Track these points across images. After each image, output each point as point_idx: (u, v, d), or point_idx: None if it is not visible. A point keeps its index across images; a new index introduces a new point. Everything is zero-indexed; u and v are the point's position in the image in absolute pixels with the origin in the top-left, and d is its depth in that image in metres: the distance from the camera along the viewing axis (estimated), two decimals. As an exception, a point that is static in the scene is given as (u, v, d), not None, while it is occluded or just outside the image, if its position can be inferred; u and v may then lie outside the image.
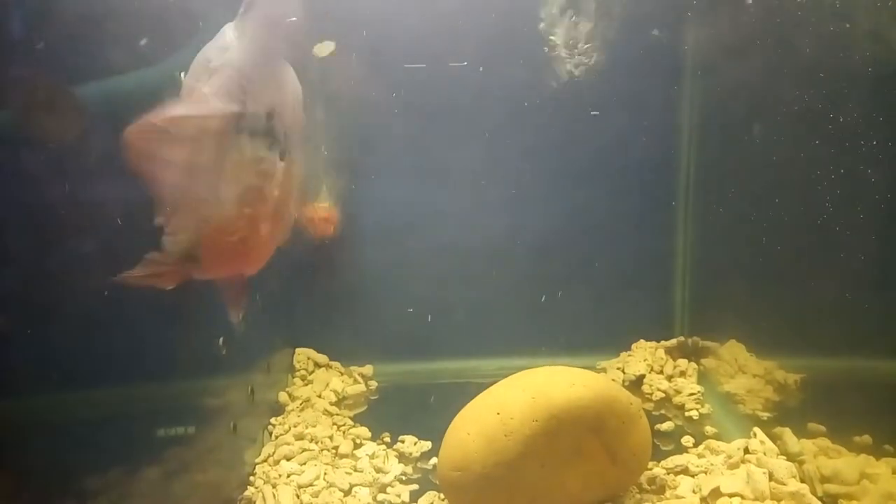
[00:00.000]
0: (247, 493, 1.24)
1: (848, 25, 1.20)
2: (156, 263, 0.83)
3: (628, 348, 1.78)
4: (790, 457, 1.24)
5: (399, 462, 1.36)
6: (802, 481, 1.15)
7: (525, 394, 1.11)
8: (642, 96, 1.66)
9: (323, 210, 1.61)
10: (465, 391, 1.22)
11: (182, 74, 1.09)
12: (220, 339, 1.22)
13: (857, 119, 1.24)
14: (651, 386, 1.63)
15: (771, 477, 1.15)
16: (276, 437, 1.43)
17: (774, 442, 1.29)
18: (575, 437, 1.10)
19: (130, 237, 1.04)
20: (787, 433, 1.30)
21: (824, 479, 1.15)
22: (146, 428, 1.05)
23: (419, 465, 1.36)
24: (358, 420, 1.54)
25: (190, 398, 1.20)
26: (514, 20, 1.62)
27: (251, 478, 1.29)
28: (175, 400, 1.15)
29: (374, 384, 1.73)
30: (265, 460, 1.35)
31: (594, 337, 1.76)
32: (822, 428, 1.32)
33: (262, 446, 1.40)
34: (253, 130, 0.81)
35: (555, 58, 1.61)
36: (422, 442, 1.41)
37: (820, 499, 1.11)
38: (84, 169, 0.94)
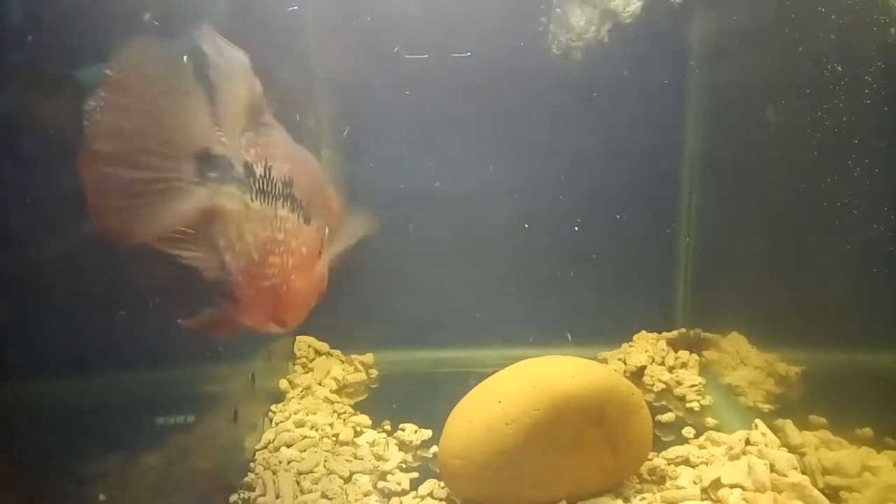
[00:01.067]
0: (247, 479, 1.24)
1: (857, 13, 1.19)
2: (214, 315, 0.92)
3: (630, 339, 1.78)
4: (791, 448, 1.24)
5: (399, 450, 1.36)
6: (804, 473, 1.15)
7: (527, 383, 1.11)
8: (647, 85, 1.65)
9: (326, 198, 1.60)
10: (467, 380, 1.22)
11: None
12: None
13: (864, 112, 1.24)
14: (652, 377, 1.63)
15: (772, 468, 1.15)
16: (277, 424, 1.43)
17: (776, 434, 1.29)
18: (576, 426, 1.10)
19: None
20: (788, 425, 1.29)
21: (826, 471, 1.15)
22: (146, 414, 1.05)
23: (419, 453, 1.36)
24: (358, 408, 1.54)
25: (190, 385, 1.20)
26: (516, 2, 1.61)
27: (251, 464, 1.29)
28: (175, 387, 1.15)
29: (374, 372, 1.73)
30: (265, 447, 1.35)
31: (596, 327, 1.75)
32: (824, 420, 1.32)
33: (263, 433, 1.40)
34: (276, 192, 0.92)
35: (556, 42, 1.59)
36: (422, 430, 1.41)
37: (821, 490, 1.10)
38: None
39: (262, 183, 0.91)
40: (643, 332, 1.78)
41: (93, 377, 0.94)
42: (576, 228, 1.72)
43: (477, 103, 1.64)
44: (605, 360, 1.71)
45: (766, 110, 1.42)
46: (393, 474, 1.28)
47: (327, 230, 1.09)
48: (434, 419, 1.20)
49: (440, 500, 1.19)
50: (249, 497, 1.19)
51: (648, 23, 1.60)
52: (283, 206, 0.95)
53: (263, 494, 1.20)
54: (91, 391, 0.94)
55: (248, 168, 0.88)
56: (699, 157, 1.70)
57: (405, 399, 1.61)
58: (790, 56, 1.35)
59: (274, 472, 1.25)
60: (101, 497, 0.91)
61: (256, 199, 0.89)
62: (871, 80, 1.22)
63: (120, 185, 0.73)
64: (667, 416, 1.46)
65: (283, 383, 1.60)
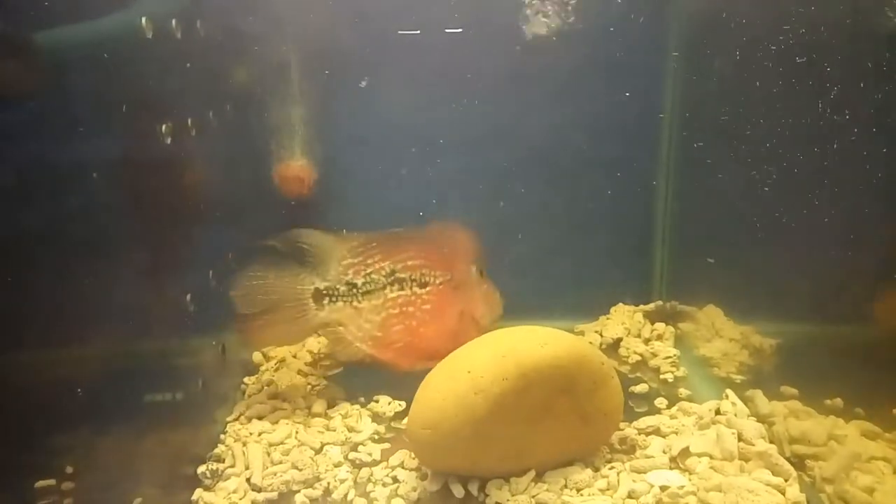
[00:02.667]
0: (216, 450, 1.23)
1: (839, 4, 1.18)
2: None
3: (607, 312, 1.78)
4: (760, 418, 1.25)
5: (372, 421, 1.35)
6: (771, 442, 1.16)
7: (496, 353, 1.10)
8: (626, 63, 1.63)
9: (296, 168, 1.58)
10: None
11: (144, 20, 1.06)
12: (188, 296, 1.20)
13: (838, 95, 1.23)
14: (628, 349, 1.63)
15: (740, 437, 1.16)
16: (249, 396, 1.42)
17: (746, 404, 1.29)
18: (545, 396, 1.10)
19: (107, 195, 1.02)
20: (758, 395, 1.30)
21: (793, 440, 1.16)
22: (115, 386, 1.03)
23: (392, 424, 1.36)
24: (333, 380, 1.54)
25: (160, 357, 1.19)
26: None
27: (222, 436, 1.29)
28: (145, 359, 1.14)
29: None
30: (237, 419, 1.34)
31: (573, 300, 1.75)
32: (794, 391, 1.32)
33: (235, 405, 1.39)
34: (380, 286, 1.39)
35: (536, 20, 1.56)
36: (396, 402, 1.41)
37: (788, 459, 1.12)
38: (57, 123, 0.91)
39: (366, 287, 1.38)
40: (620, 304, 1.78)
41: (62, 349, 0.93)
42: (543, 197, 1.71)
43: (452, 83, 1.62)
44: (581, 333, 1.71)
45: (744, 92, 1.41)
46: (364, 445, 1.27)
47: (474, 269, 1.47)
48: (409, 391, 1.19)
49: (411, 470, 1.19)
50: (218, 468, 1.18)
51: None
52: (391, 290, 1.39)
53: (233, 465, 1.20)
54: (60, 363, 0.93)
55: (351, 285, 1.38)
56: (677, 130, 1.69)
57: (380, 372, 1.60)
58: (771, 41, 1.34)
59: (244, 444, 1.25)
60: (69, 469, 0.90)
61: (363, 300, 1.38)
62: (846, 69, 1.21)
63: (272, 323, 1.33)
64: (640, 387, 1.47)
65: (258, 356, 1.59)
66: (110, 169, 1.03)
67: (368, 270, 1.38)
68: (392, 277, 1.39)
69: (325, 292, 1.36)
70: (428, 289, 1.41)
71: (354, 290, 1.37)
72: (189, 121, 1.24)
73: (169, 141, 1.14)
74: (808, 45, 1.26)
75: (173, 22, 1.18)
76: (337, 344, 1.37)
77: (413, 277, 1.40)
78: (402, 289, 1.39)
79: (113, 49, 1.02)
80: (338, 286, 1.37)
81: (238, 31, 1.50)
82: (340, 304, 1.36)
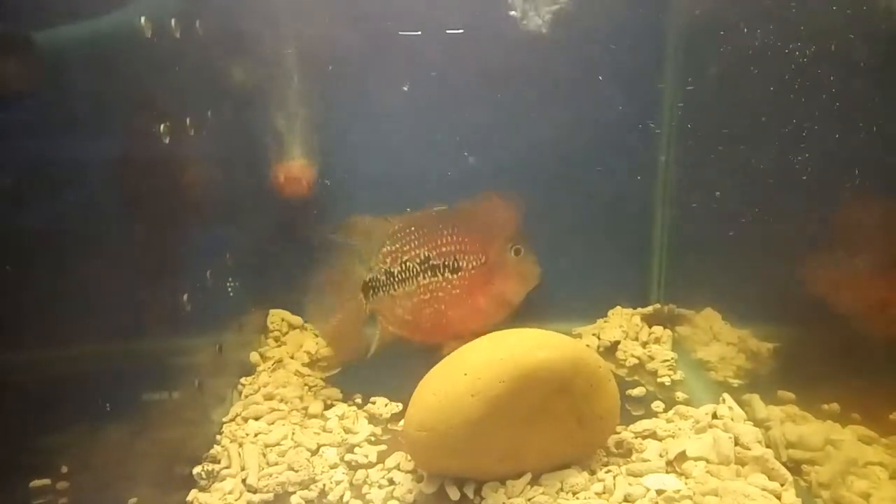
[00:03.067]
0: (212, 451, 1.23)
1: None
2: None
3: (605, 315, 1.78)
4: (757, 423, 1.25)
5: (369, 423, 1.35)
6: (768, 446, 1.16)
7: (493, 355, 1.10)
8: (625, 63, 1.63)
9: (295, 168, 1.58)
10: (439, 354, 1.20)
11: (143, 19, 1.06)
12: (185, 297, 1.20)
13: (833, 97, 1.23)
14: (625, 352, 1.63)
15: (736, 442, 1.16)
16: (246, 397, 1.42)
17: (743, 408, 1.29)
18: (542, 398, 1.10)
19: (104, 194, 1.02)
20: (755, 399, 1.30)
21: (789, 445, 1.16)
22: (111, 386, 1.03)
23: (389, 426, 1.36)
24: (330, 381, 1.53)
25: (156, 356, 1.19)
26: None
27: (217, 436, 1.29)
28: (141, 358, 1.14)
29: (348, 346, 1.72)
30: (233, 419, 1.34)
31: (571, 303, 1.75)
32: (791, 395, 1.32)
33: (231, 406, 1.39)
34: (414, 273, 1.44)
35: (530, 18, 1.56)
36: (393, 403, 1.41)
37: (784, 464, 1.11)
38: (55, 122, 0.91)
39: (401, 275, 1.43)
40: (618, 307, 1.78)
41: (57, 348, 0.92)
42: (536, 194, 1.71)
43: (450, 82, 1.62)
44: (579, 336, 1.71)
45: (743, 88, 1.41)
46: (361, 447, 1.27)
47: (509, 247, 1.48)
48: (406, 393, 1.18)
49: (407, 472, 1.19)
50: (213, 469, 1.18)
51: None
52: (423, 277, 1.44)
53: (228, 466, 1.19)
54: (55, 362, 0.93)
55: (389, 273, 1.43)
56: (676, 133, 1.69)
57: (378, 372, 1.60)
58: (769, 40, 1.34)
59: (240, 445, 1.24)
60: (64, 468, 0.90)
61: (399, 288, 1.44)
62: (841, 67, 1.21)
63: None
64: (637, 391, 1.47)
65: (255, 356, 1.59)
66: (107, 168, 1.04)
67: (405, 258, 1.43)
68: (426, 265, 1.44)
69: (370, 284, 1.43)
70: (460, 274, 1.45)
71: (392, 280, 1.43)
72: (187, 120, 1.24)
73: (167, 140, 1.14)
74: (804, 52, 1.26)
75: (172, 21, 1.18)
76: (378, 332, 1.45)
77: (446, 263, 1.45)
78: (434, 275, 1.44)
79: (111, 48, 1.03)
80: (379, 276, 1.43)
81: (237, 31, 1.50)
82: (381, 294, 1.44)
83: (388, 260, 1.43)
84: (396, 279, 1.43)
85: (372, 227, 1.44)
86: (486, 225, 1.47)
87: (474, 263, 1.46)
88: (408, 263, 1.43)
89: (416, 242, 1.43)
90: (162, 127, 1.13)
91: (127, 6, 1.07)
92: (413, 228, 1.43)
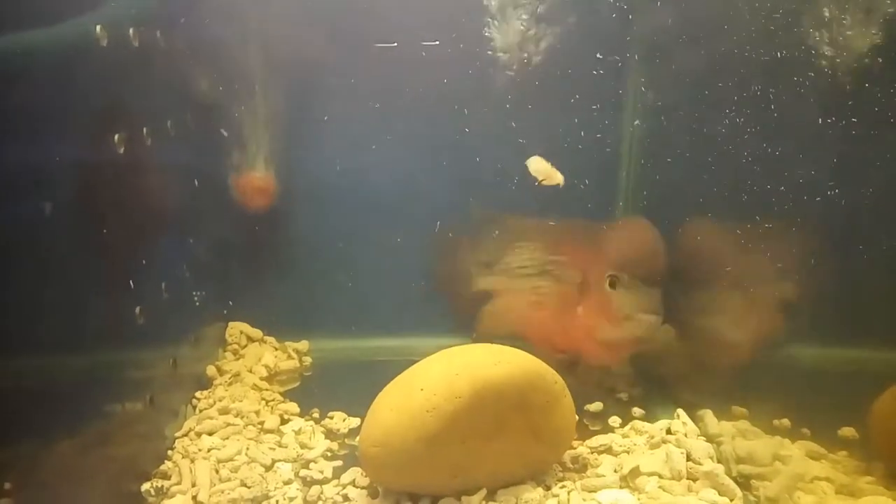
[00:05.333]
0: (162, 467, 1.21)
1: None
2: None
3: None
4: (709, 438, 1.27)
5: (326, 438, 1.34)
6: (719, 462, 1.18)
7: (449, 370, 1.10)
8: (591, 76, 1.65)
9: (258, 180, 1.57)
10: (401, 369, 1.19)
11: (98, 28, 1.05)
12: (137, 309, 1.18)
13: (809, 96, 1.27)
14: (585, 368, 1.64)
15: (689, 457, 1.17)
16: (200, 411, 1.40)
17: (696, 423, 1.31)
18: (498, 413, 1.10)
19: (58, 202, 1.00)
20: (708, 415, 1.32)
21: (739, 460, 1.18)
22: (59, 399, 1.01)
23: (346, 441, 1.35)
24: (288, 396, 1.52)
25: (108, 369, 1.16)
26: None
27: (169, 452, 1.26)
28: (92, 371, 1.11)
29: (308, 360, 1.71)
30: (186, 434, 1.31)
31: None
32: (744, 410, 1.35)
33: (185, 420, 1.36)
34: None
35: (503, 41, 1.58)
36: (351, 418, 1.40)
37: (734, 479, 1.13)
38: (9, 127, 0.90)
39: (521, 271, 1.49)
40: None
41: (4, 360, 0.90)
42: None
43: (414, 91, 1.62)
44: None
45: (705, 104, 1.45)
46: (316, 462, 1.26)
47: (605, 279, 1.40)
48: (364, 407, 1.18)
49: (362, 488, 1.18)
50: (163, 485, 1.15)
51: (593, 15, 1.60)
52: (538, 279, 1.47)
53: (179, 483, 1.17)
54: (1, 375, 0.90)
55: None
56: (639, 144, 1.71)
57: (338, 387, 1.59)
58: (725, 56, 1.38)
59: (192, 460, 1.22)
60: (7, 485, 0.87)
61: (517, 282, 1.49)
62: (803, 72, 1.25)
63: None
64: (595, 406, 1.48)
65: (211, 369, 1.56)
66: (60, 177, 1.01)
67: (525, 256, 1.50)
68: (542, 269, 1.48)
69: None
70: (565, 282, 1.46)
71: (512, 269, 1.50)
72: (144, 130, 1.22)
73: (122, 150, 1.13)
74: (765, 68, 1.30)
75: (131, 31, 1.16)
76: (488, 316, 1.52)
77: (554, 273, 1.48)
78: (545, 280, 1.48)
79: (68, 56, 1.01)
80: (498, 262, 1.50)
81: (202, 38, 1.49)
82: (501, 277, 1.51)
83: (514, 251, 1.52)
84: (516, 273, 1.51)
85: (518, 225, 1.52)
86: (610, 247, 1.41)
87: (570, 279, 1.46)
88: (527, 262, 1.52)
89: (541, 246, 1.50)
90: (117, 136, 1.12)
91: (90, 13, 1.05)
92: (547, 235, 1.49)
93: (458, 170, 1.69)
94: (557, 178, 1.38)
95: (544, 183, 1.39)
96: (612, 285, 1.37)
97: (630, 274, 1.36)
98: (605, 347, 1.43)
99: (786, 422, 1.31)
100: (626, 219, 1.54)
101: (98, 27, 1.04)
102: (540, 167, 1.39)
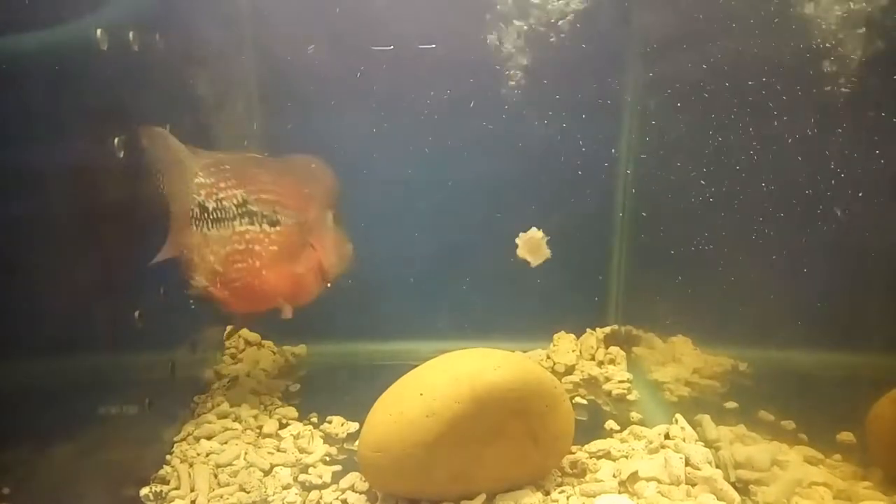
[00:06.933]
0: (161, 471, 1.20)
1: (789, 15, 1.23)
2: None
3: (561, 335, 1.79)
4: (708, 443, 1.27)
5: (324, 443, 1.33)
6: (717, 467, 1.18)
7: (449, 375, 1.10)
8: (588, 85, 1.66)
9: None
10: (401, 373, 1.20)
11: (98, 31, 1.05)
12: (137, 313, 1.17)
13: (790, 116, 1.28)
14: (581, 372, 1.64)
15: (687, 462, 1.17)
16: (199, 416, 1.39)
17: (694, 428, 1.31)
18: (498, 419, 1.10)
19: (56, 205, 1.00)
20: (706, 420, 1.32)
21: (738, 465, 1.18)
22: (57, 403, 1.00)
23: (345, 446, 1.34)
24: (286, 400, 1.51)
25: (105, 373, 1.16)
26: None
27: (168, 456, 1.25)
28: (90, 374, 1.11)
29: (306, 364, 1.71)
30: (184, 439, 1.31)
31: (529, 322, 1.76)
32: (742, 415, 1.35)
33: (183, 424, 1.36)
34: (230, 216, 1.25)
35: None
36: (349, 423, 1.39)
37: (732, 484, 1.13)
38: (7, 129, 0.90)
39: (216, 214, 1.23)
40: (575, 327, 1.80)
41: (2, 362, 0.90)
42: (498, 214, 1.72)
43: (410, 101, 1.63)
44: (535, 356, 1.72)
45: (703, 110, 1.45)
46: (315, 467, 1.26)
47: (330, 215, 1.35)
48: (363, 412, 1.18)
49: (361, 493, 1.18)
50: (162, 490, 1.15)
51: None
52: (240, 223, 1.25)
53: (177, 487, 1.17)
54: (1, 377, 0.90)
55: (202, 207, 1.22)
56: (635, 156, 1.72)
57: (336, 391, 1.59)
58: (724, 56, 1.38)
59: (191, 465, 1.22)
60: (5, 490, 0.87)
61: (213, 228, 1.23)
62: (798, 84, 1.26)
63: None
64: (593, 410, 1.48)
65: (209, 374, 1.56)
66: (60, 179, 1.02)
67: (221, 195, 1.24)
68: (243, 209, 1.26)
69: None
70: (278, 228, 1.29)
71: (206, 215, 1.24)
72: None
73: (122, 153, 1.13)
74: (762, 78, 1.31)
75: (131, 34, 1.16)
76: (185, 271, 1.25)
77: (265, 213, 1.29)
78: (251, 223, 1.27)
79: (68, 58, 1.01)
80: (192, 207, 1.23)
81: (201, 42, 1.49)
82: (194, 229, 1.23)
83: (202, 192, 1.23)
84: (211, 217, 1.23)
85: (178, 152, 1.21)
86: (308, 184, 1.35)
87: (293, 220, 1.32)
88: (224, 202, 1.24)
89: (234, 182, 1.25)
90: (117, 139, 1.12)
91: (88, 16, 1.05)
92: (228, 167, 1.26)
93: (458, 170, 1.69)
94: (544, 255, 1.42)
95: (532, 263, 1.40)
96: (336, 219, 1.40)
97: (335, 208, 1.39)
98: (323, 282, 1.39)
99: (784, 426, 1.32)
100: (298, 156, 1.38)
101: (98, 30, 1.04)
102: (530, 246, 1.40)
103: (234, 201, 1.25)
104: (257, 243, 1.27)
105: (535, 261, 1.39)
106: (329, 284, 1.40)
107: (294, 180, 1.33)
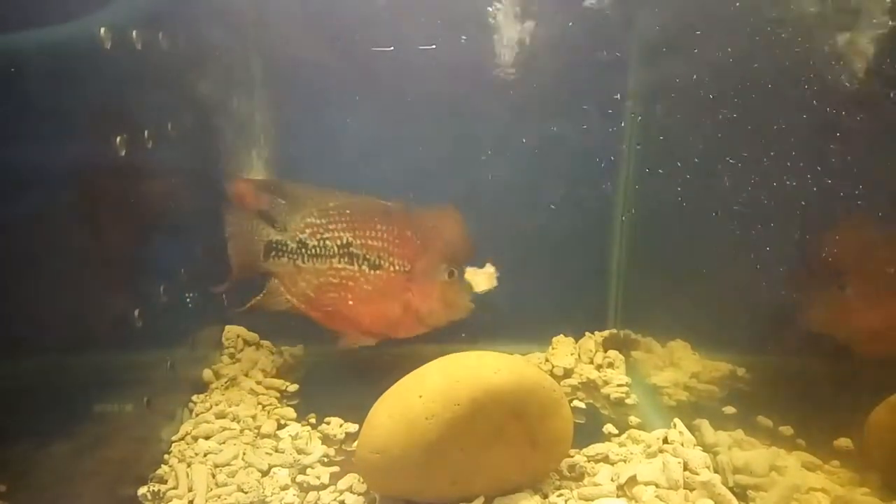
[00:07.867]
0: (159, 471, 1.20)
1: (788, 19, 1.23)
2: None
3: (560, 338, 1.79)
4: (706, 448, 1.27)
5: (322, 443, 1.33)
6: (715, 471, 1.18)
7: (448, 378, 1.10)
8: (588, 92, 1.66)
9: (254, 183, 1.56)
10: (400, 375, 1.19)
11: (103, 30, 1.05)
12: (136, 312, 1.17)
13: (789, 124, 1.28)
14: (580, 375, 1.64)
15: (685, 467, 1.17)
16: (197, 415, 1.39)
17: (693, 433, 1.31)
18: (497, 421, 1.10)
19: (57, 204, 1.00)
20: (704, 424, 1.32)
21: (736, 470, 1.18)
22: (56, 401, 1.00)
23: (343, 447, 1.34)
24: (284, 400, 1.51)
25: (105, 371, 1.16)
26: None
27: (166, 456, 1.25)
28: (88, 373, 1.11)
29: (305, 365, 1.70)
30: (182, 438, 1.31)
31: (528, 326, 1.76)
32: (740, 420, 1.35)
33: (181, 424, 1.36)
34: (329, 254, 1.44)
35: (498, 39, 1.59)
36: (348, 424, 1.39)
37: (730, 489, 1.13)
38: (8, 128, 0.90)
39: (314, 250, 1.43)
40: (574, 331, 1.80)
41: (2, 361, 0.89)
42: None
43: (411, 100, 1.63)
44: (534, 359, 1.72)
45: (704, 116, 1.45)
46: (313, 468, 1.25)
47: (444, 268, 1.45)
48: (361, 413, 1.18)
49: (359, 494, 1.18)
50: (160, 490, 1.15)
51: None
52: (339, 261, 1.42)
53: (175, 487, 1.16)
54: (0, 376, 0.90)
55: (301, 244, 1.43)
56: (635, 161, 1.72)
57: (334, 392, 1.59)
58: (726, 60, 1.38)
59: (188, 465, 1.22)
60: (2, 487, 0.87)
61: (308, 261, 1.43)
62: (797, 91, 1.26)
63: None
64: (592, 414, 1.48)
65: (208, 373, 1.56)
66: (60, 179, 1.01)
67: (325, 236, 1.42)
68: (345, 250, 1.42)
69: (275, 245, 1.44)
70: (378, 272, 1.43)
71: (303, 250, 1.43)
72: (145, 133, 1.22)
73: (123, 152, 1.13)
74: (761, 85, 1.31)
75: (134, 33, 1.16)
76: (267, 295, 1.47)
77: (367, 256, 1.43)
78: (350, 263, 1.42)
79: (69, 58, 1.01)
80: (288, 242, 1.43)
81: (202, 43, 1.49)
82: (285, 259, 1.43)
83: (307, 231, 1.42)
84: (308, 252, 1.43)
85: (296, 194, 1.43)
86: (427, 236, 1.44)
87: (396, 268, 1.44)
88: (327, 242, 1.42)
89: (343, 225, 1.42)
90: (119, 138, 1.12)
91: (90, 15, 1.05)
92: (348, 211, 1.42)
93: (457, 171, 1.69)
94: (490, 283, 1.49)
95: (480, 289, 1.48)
96: (451, 275, 1.46)
97: (457, 264, 1.47)
98: (420, 325, 1.48)
99: (782, 431, 1.32)
100: (437, 207, 1.47)
101: (102, 29, 1.04)
102: (481, 279, 1.49)
103: (338, 242, 1.42)
104: (352, 280, 1.43)
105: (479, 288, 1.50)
106: (428, 329, 1.49)
107: (414, 231, 1.44)
